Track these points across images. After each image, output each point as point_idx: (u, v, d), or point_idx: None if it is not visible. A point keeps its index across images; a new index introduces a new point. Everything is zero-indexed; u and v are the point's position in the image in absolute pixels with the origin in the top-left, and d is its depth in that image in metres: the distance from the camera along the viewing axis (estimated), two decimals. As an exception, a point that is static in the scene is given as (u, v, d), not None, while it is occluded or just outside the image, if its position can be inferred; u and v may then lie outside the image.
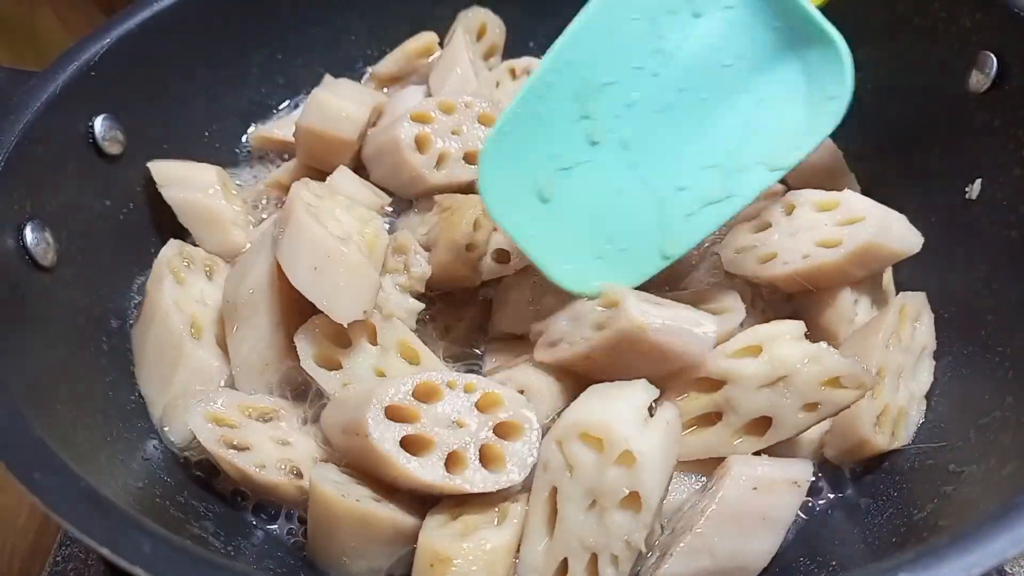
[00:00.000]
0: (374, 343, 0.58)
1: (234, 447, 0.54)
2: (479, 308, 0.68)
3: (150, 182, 0.70)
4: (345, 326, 0.55)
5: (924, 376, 0.61)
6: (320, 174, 0.71)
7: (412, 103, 0.73)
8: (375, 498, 0.51)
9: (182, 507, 0.53)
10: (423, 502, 0.52)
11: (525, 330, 0.62)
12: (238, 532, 0.54)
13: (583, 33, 0.53)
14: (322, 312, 0.55)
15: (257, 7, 0.79)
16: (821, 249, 0.59)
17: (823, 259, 0.59)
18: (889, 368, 0.57)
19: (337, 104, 0.71)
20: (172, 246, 0.65)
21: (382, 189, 0.72)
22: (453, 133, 0.69)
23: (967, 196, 0.63)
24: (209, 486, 0.57)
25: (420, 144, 0.68)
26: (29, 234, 0.57)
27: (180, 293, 0.62)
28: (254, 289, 0.59)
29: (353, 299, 0.55)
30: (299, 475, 0.54)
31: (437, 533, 0.49)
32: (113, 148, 0.67)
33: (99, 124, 0.66)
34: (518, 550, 0.50)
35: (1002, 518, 0.38)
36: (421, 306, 0.63)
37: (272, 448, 0.55)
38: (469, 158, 0.69)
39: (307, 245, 0.56)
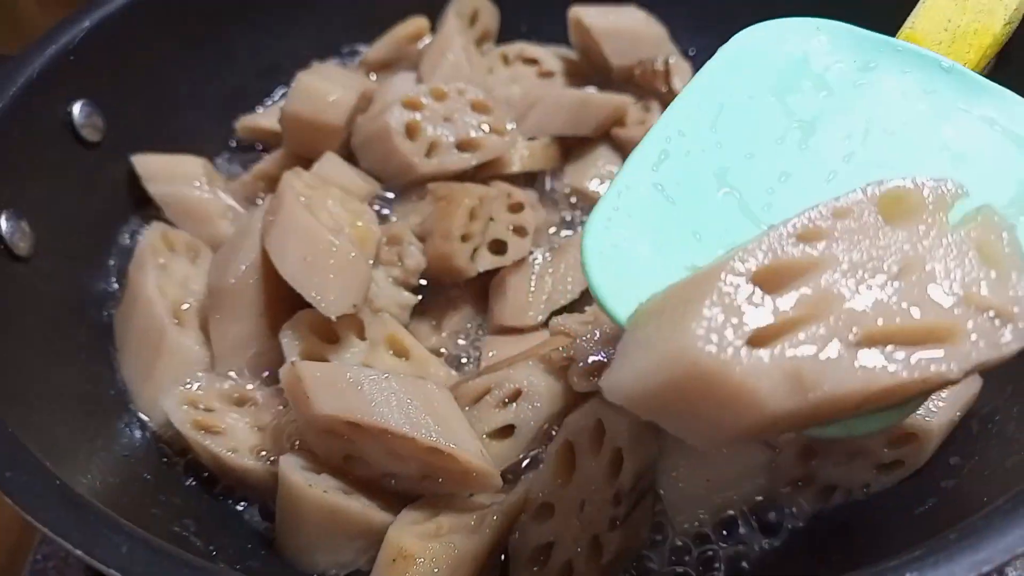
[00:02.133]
0: (362, 338, 0.57)
1: (207, 430, 0.53)
2: (475, 300, 0.66)
3: (131, 171, 0.68)
4: (333, 320, 0.53)
5: None
6: (307, 162, 0.69)
7: (402, 90, 0.71)
8: (345, 490, 0.49)
9: (162, 505, 0.51)
10: (399, 500, 0.50)
11: (524, 323, 0.61)
12: (220, 530, 0.53)
13: (693, 103, 0.43)
14: (309, 306, 0.53)
15: (243, -9, 0.77)
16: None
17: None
18: None
19: (323, 88, 0.69)
20: (154, 230, 0.64)
21: (372, 176, 0.70)
22: (445, 120, 0.67)
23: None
24: (191, 483, 0.56)
25: (410, 132, 0.66)
26: (4, 223, 0.55)
27: (163, 278, 0.61)
28: (239, 277, 0.57)
29: (343, 292, 0.54)
30: (273, 461, 0.52)
31: (407, 529, 0.47)
32: (92, 135, 0.65)
33: (78, 110, 0.64)
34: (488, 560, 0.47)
35: (1012, 512, 0.36)
36: (415, 299, 0.61)
37: (247, 433, 0.54)
38: (461, 146, 0.67)
39: (298, 236, 0.54)
